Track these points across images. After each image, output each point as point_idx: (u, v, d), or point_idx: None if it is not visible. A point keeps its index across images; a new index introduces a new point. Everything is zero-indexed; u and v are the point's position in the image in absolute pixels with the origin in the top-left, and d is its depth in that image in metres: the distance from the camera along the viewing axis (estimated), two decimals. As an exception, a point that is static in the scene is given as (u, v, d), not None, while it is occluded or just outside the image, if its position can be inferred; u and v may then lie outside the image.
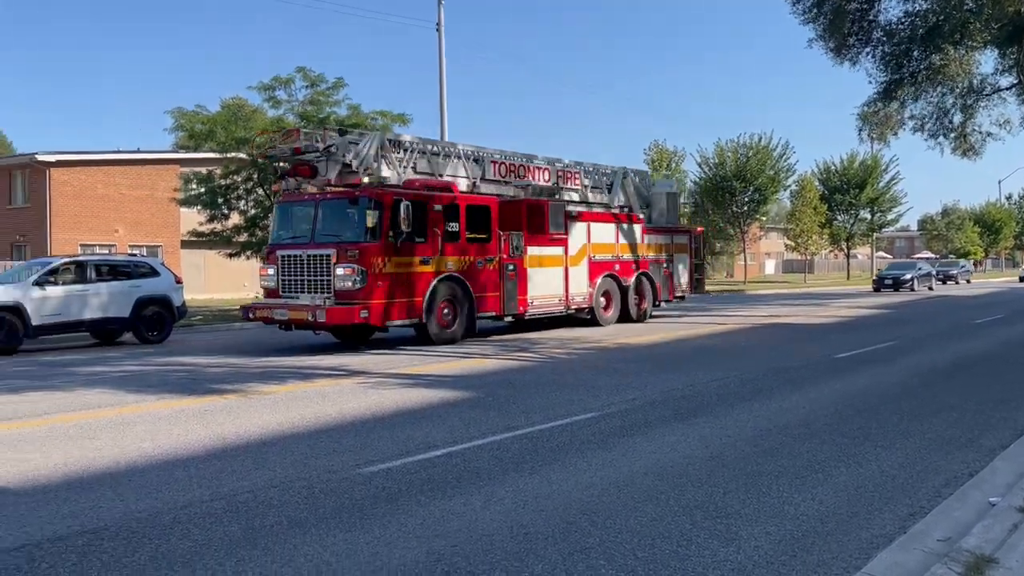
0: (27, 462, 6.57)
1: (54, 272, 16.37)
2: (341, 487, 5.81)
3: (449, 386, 10.65)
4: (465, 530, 4.85)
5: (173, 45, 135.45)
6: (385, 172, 15.54)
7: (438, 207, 15.57)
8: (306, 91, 25.76)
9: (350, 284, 14.23)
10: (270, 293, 15.70)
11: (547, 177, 19.17)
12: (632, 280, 20.52)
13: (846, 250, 66.67)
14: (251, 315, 15.54)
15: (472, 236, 16.23)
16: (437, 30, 29.02)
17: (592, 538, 4.68)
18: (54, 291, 16.03)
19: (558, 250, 18.36)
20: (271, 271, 15.57)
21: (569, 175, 19.94)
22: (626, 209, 21.36)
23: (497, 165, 18.06)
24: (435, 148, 17.03)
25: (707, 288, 26.67)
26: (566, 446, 7.05)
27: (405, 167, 15.99)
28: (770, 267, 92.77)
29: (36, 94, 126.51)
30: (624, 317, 20.25)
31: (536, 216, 17.82)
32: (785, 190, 57.55)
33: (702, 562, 4.33)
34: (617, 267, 20.06)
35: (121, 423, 8.27)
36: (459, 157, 17.25)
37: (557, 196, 18.90)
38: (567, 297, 18.56)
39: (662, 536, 4.72)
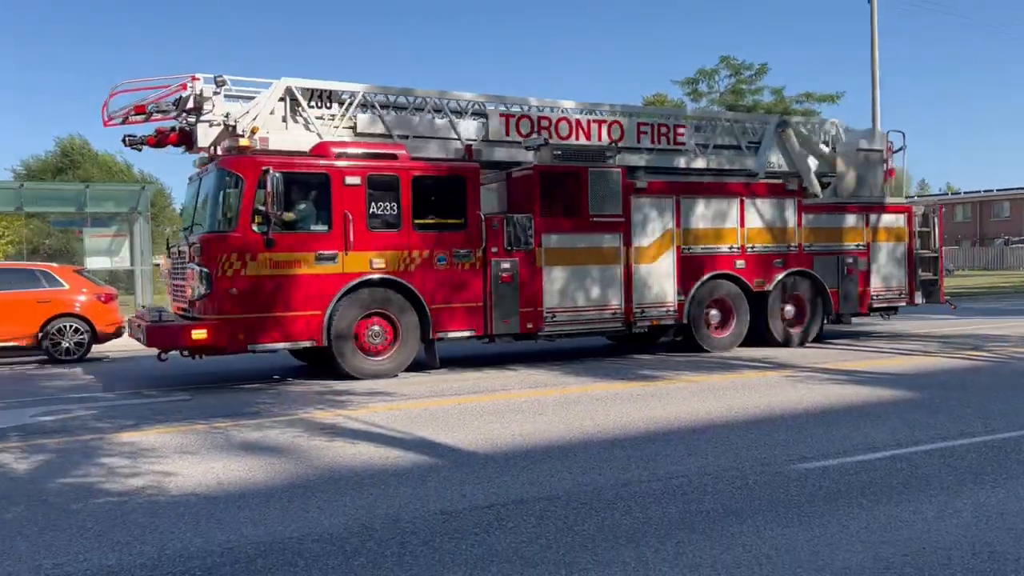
0: (491, 431, 7.49)
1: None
2: (775, 481, 5.71)
3: (886, 384, 9.88)
4: (916, 540, 4.48)
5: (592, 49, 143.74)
6: (291, 134, 11.62)
7: (353, 180, 10.93)
8: (728, 80, 25.67)
9: (191, 292, 10.61)
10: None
11: (618, 134, 13.60)
12: (774, 283, 13.79)
13: None
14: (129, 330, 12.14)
15: (426, 222, 11.50)
16: (869, 1, 27.00)
17: (1079, 569, 4.03)
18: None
19: (609, 239, 12.65)
20: (166, 271, 12.41)
21: (663, 130, 14.11)
22: (797, 180, 14.83)
23: (510, 120, 12.95)
24: (396, 99, 12.52)
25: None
26: (1037, 459, 6.15)
27: (336, 126, 11.92)
28: None
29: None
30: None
31: (563, 190, 12.42)
32: None
33: None
34: (741, 263, 13.60)
35: (565, 402, 9.03)
36: (440, 111, 12.59)
37: (612, 158, 12.92)
38: (628, 308, 12.73)
39: None
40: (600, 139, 13.39)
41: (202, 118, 11.29)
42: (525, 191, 12.37)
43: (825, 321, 14.51)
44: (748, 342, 13.73)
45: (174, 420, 8.35)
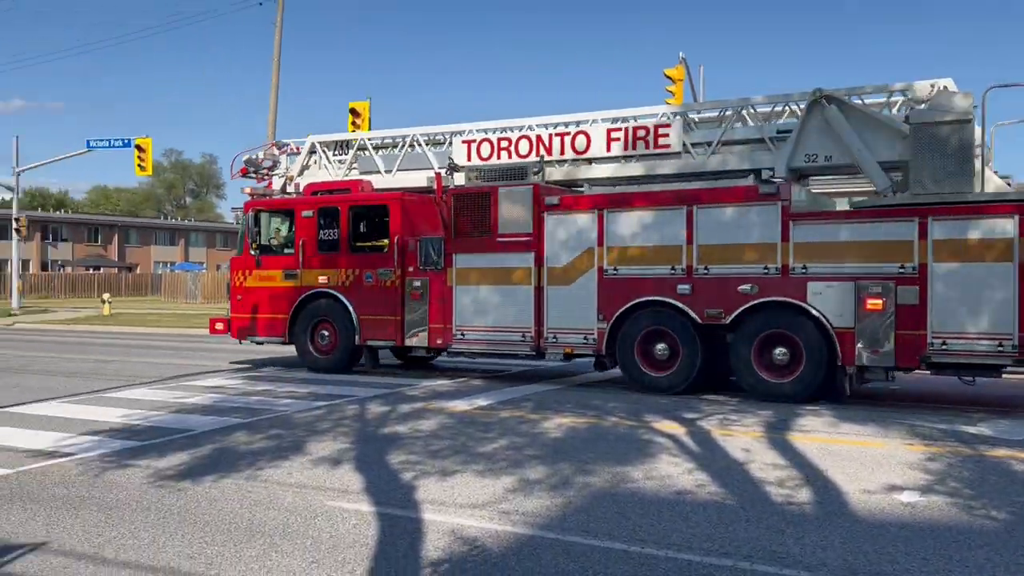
0: None
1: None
2: None
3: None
4: None
5: None
6: (312, 177, 15.32)
7: (307, 213, 14.25)
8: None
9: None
10: None
11: (583, 146, 13.02)
12: (735, 315, 10.94)
13: None
14: None
15: (361, 244, 14.12)
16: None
17: None
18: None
19: (518, 259, 12.36)
20: None
21: (641, 133, 12.66)
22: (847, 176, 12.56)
23: (471, 145, 13.80)
24: (385, 140, 15.42)
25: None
26: None
27: (350, 168, 15.19)
28: None
29: None
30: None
31: (475, 212, 12.64)
32: None
33: None
34: (684, 288, 11.27)
35: None
36: (417, 146, 14.67)
37: (535, 175, 12.45)
38: (539, 332, 12.17)
39: None
40: (563, 153, 13.15)
41: (274, 172, 15.91)
42: (434, 213, 13.64)
43: (831, 371, 10.56)
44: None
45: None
